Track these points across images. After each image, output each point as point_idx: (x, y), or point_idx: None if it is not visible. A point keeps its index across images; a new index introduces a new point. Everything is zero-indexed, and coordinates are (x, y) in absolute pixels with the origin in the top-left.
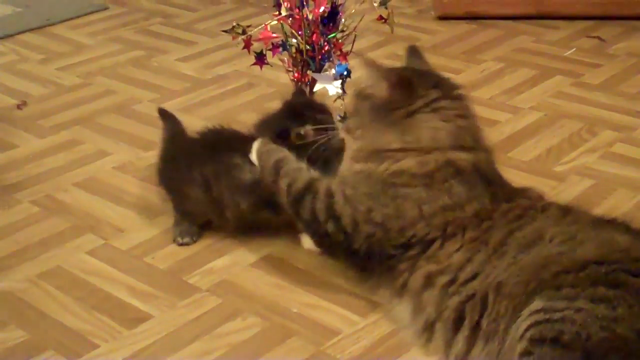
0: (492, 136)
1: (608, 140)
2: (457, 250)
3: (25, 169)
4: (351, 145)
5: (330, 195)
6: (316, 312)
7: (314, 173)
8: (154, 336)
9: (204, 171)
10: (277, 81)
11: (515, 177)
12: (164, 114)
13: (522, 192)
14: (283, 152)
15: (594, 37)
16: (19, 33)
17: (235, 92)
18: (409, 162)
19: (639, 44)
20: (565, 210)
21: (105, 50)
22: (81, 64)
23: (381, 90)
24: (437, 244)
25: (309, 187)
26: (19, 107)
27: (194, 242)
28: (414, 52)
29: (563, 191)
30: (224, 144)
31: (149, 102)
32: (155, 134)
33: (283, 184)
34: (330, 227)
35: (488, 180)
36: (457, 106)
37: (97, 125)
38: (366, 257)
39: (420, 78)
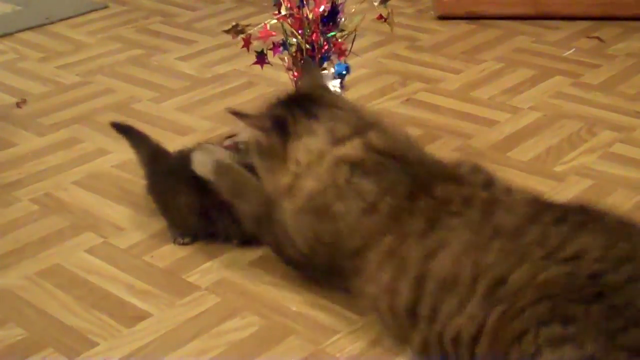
0: (491, 136)
1: (607, 140)
2: (380, 264)
3: (24, 167)
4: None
5: (284, 224)
6: (315, 311)
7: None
8: (153, 334)
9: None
10: (277, 80)
11: (515, 177)
12: (124, 130)
13: (452, 169)
14: (239, 173)
15: (594, 37)
16: (18, 31)
17: (235, 91)
18: (308, 185)
19: (638, 44)
20: (492, 203)
21: (105, 48)
22: (81, 63)
23: (261, 138)
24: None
25: (268, 214)
26: (18, 105)
27: (193, 242)
28: (306, 66)
29: (562, 191)
30: None
31: (148, 101)
32: (154, 132)
33: (243, 206)
34: (291, 251)
35: (395, 156)
36: (318, 112)
37: (97, 124)
38: (328, 271)
39: (289, 109)
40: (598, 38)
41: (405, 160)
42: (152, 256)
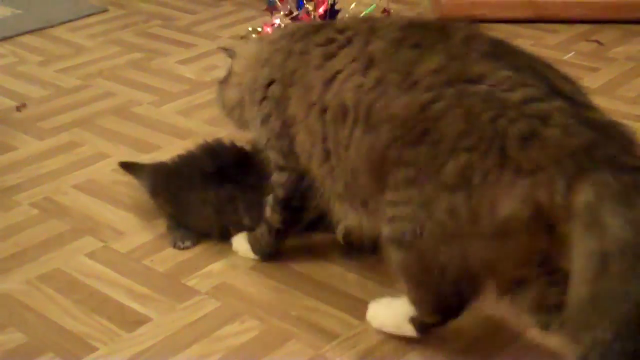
0: None
1: None
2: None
3: (24, 171)
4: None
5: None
6: (315, 315)
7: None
8: (153, 339)
9: (219, 193)
10: None
11: None
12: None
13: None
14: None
15: (593, 40)
16: (18, 35)
17: None
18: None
19: (637, 47)
20: (372, 32)
21: (104, 52)
22: (80, 66)
23: None
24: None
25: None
26: (18, 109)
27: (194, 246)
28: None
29: None
30: (230, 163)
31: (148, 104)
32: (155, 136)
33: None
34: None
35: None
36: None
37: (97, 128)
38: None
39: None
40: (597, 41)
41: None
42: (152, 260)
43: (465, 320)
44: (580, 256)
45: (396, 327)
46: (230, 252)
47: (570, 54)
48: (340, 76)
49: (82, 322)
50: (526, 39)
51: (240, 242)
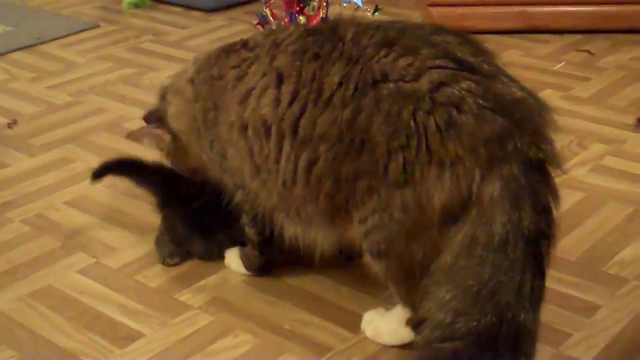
0: None
1: (598, 153)
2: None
3: (16, 187)
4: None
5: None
6: (308, 329)
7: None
8: (146, 355)
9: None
10: None
11: None
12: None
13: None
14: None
15: (583, 50)
16: (9, 52)
17: None
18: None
19: (627, 57)
20: (276, 46)
21: (96, 68)
22: (72, 82)
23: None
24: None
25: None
26: (9, 125)
27: (183, 261)
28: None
29: None
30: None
31: (140, 119)
32: (146, 152)
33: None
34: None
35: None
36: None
37: (89, 144)
38: None
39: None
40: (588, 51)
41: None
42: (144, 276)
43: None
44: (460, 233)
45: (392, 333)
46: (222, 266)
47: (561, 64)
48: (254, 92)
49: (75, 338)
50: (517, 50)
51: (232, 258)
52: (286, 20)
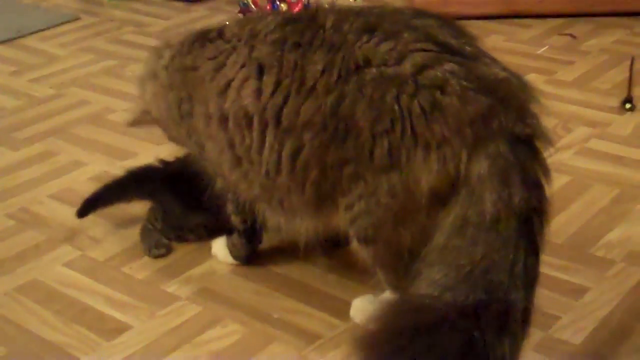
0: None
1: (583, 136)
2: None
3: None
4: None
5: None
6: (297, 317)
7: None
8: (134, 346)
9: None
10: None
11: None
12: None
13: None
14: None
15: (566, 34)
16: None
17: None
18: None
19: (610, 40)
20: (253, 36)
21: (77, 60)
22: (54, 75)
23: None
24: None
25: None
26: None
27: (168, 252)
28: None
29: None
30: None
31: (123, 111)
32: (131, 143)
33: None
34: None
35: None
36: None
37: (72, 136)
38: None
39: None
40: (571, 35)
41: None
42: (130, 267)
43: None
44: (450, 214)
45: None
46: (209, 257)
47: (544, 48)
48: (234, 84)
49: (62, 332)
50: (499, 35)
51: (219, 247)
52: (268, 7)
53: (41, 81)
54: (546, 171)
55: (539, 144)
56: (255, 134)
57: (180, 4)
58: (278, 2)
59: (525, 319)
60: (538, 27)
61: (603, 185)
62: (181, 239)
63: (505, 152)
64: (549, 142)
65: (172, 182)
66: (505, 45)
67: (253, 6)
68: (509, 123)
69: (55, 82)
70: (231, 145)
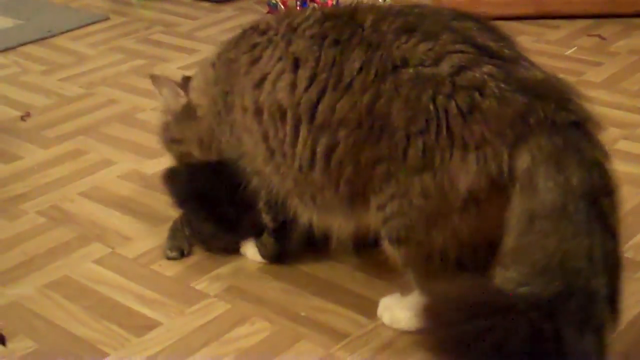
0: None
1: (611, 137)
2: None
3: (30, 180)
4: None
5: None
6: (324, 315)
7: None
8: (163, 343)
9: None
10: None
11: None
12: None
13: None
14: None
15: (595, 35)
16: (20, 45)
17: None
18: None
19: (639, 41)
20: (292, 30)
21: (107, 60)
22: (83, 75)
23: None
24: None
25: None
26: (22, 118)
27: (183, 257)
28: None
29: None
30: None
31: (152, 110)
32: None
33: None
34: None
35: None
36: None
37: (101, 135)
38: None
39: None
40: (599, 36)
41: None
42: (160, 265)
43: None
44: (514, 214)
45: (409, 319)
46: (238, 255)
47: (573, 49)
48: (270, 77)
49: (92, 328)
50: (528, 36)
51: (248, 246)
52: (297, 8)
53: (71, 80)
54: (602, 150)
55: (589, 127)
56: (288, 128)
57: (208, 4)
58: (308, 3)
59: (613, 308)
60: (566, 28)
61: (632, 187)
62: (207, 249)
63: (548, 141)
64: (598, 125)
65: (203, 195)
66: (534, 46)
67: (282, 6)
68: (548, 115)
69: (84, 81)
70: (265, 138)
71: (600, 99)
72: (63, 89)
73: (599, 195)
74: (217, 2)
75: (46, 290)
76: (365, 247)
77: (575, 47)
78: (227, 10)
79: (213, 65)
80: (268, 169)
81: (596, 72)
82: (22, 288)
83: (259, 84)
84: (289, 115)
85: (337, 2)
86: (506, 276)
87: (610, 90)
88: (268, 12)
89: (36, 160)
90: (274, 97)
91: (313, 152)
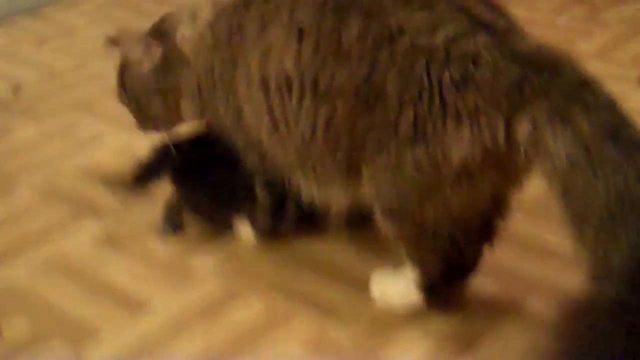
0: None
1: None
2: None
3: (23, 155)
4: None
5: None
6: (317, 290)
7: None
8: (157, 320)
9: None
10: None
11: None
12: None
13: None
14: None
15: (586, 3)
16: (9, 15)
17: None
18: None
19: (630, 9)
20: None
21: (97, 30)
22: (75, 46)
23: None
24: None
25: None
26: (13, 92)
27: (177, 232)
28: None
29: None
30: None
31: None
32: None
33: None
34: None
35: None
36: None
37: (94, 109)
38: None
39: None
40: (591, 3)
41: None
42: (153, 241)
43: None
44: (551, 186)
45: (400, 294)
46: (231, 232)
47: (563, 18)
48: (276, 47)
49: (85, 305)
50: (519, 4)
51: (242, 223)
52: None
53: (62, 51)
54: (607, 95)
55: (589, 84)
56: (294, 98)
57: None
58: None
59: None
60: None
61: None
62: (201, 220)
63: (547, 105)
64: (597, 83)
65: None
66: (525, 15)
67: None
68: (543, 81)
69: (76, 53)
70: (270, 109)
71: (592, 70)
72: (55, 61)
73: (618, 128)
74: None
75: (40, 269)
76: (358, 223)
77: (566, 16)
78: None
79: (211, 26)
80: (272, 140)
81: (587, 42)
82: (16, 267)
83: (265, 53)
84: (295, 85)
85: None
86: (584, 239)
87: (602, 60)
88: None
89: (29, 135)
90: (280, 67)
91: (315, 122)
